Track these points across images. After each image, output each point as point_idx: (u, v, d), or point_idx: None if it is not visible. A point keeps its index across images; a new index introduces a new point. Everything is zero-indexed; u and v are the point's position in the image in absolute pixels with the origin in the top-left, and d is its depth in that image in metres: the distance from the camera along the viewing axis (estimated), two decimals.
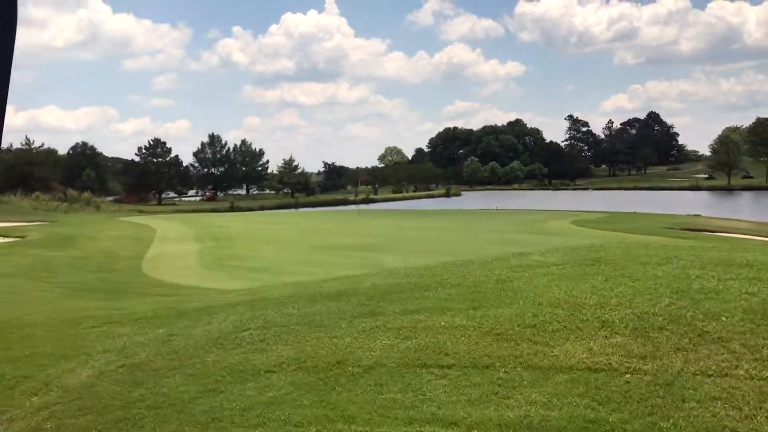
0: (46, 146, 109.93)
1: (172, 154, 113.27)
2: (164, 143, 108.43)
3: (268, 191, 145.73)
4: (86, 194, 75.29)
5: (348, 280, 9.07)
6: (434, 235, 29.85)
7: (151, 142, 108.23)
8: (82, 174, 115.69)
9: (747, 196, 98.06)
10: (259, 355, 5.93)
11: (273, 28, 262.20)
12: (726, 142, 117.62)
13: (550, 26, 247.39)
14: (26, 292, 14.63)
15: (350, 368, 5.34)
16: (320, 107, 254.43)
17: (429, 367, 5.16)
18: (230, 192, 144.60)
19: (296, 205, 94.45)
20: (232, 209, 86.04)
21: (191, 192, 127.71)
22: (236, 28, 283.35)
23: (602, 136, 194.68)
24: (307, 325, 6.57)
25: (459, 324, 5.89)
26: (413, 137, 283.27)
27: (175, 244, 26.47)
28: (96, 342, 7.39)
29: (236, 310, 7.80)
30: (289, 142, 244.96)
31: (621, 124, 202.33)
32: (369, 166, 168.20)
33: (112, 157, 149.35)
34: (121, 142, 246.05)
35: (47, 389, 6.06)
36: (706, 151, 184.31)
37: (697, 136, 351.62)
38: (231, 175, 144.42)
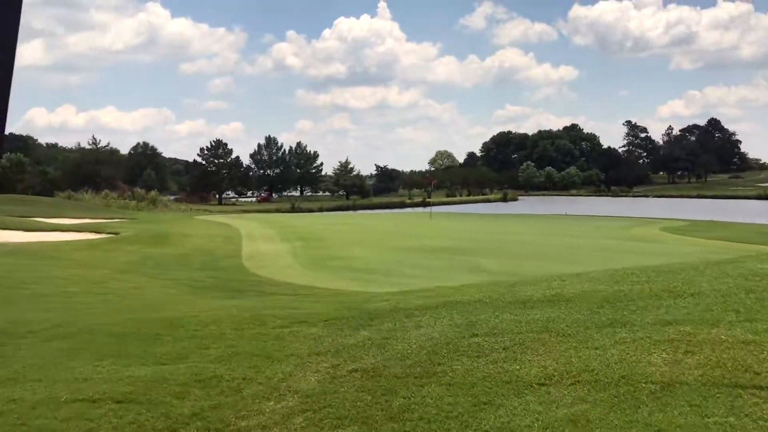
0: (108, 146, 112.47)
1: (231, 156, 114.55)
2: (225, 144, 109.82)
3: (321, 193, 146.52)
4: (153, 193, 76.46)
5: (536, 285, 8.52)
6: (521, 238, 29.13)
7: (213, 144, 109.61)
8: (143, 173, 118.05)
9: None
10: (516, 365, 5.44)
11: (326, 32, 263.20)
12: None
13: (604, 30, 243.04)
14: (149, 287, 14.50)
15: (643, 384, 4.81)
16: (370, 111, 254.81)
17: (744, 387, 4.60)
18: (284, 194, 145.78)
19: (354, 207, 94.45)
20: (293, 210, 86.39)
21: (249, 193, 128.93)
22: (290, 33, 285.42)
23: (660, 142, 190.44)
24: (548, 333, 6.07)
25: (748, 339, 5.30)
26: (463, 141, 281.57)
27: (265, 243, 26.34)
28: (296, 343, 7.01)
29: (436, 314, 7.35)
30: (340, 145, 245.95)
31: (680, 131, 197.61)
32: (419, 170, 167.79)
33: (169, 158, 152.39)
34: (176, 143, 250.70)
35: (278, 394, 5.67)
36: None
37: (758, 144, 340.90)
38: (286, 177, 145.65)
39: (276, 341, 7.17)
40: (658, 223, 38.94)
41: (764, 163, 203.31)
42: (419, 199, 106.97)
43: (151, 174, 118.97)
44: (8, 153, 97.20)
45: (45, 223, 31.99)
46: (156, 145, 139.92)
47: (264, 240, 27.76)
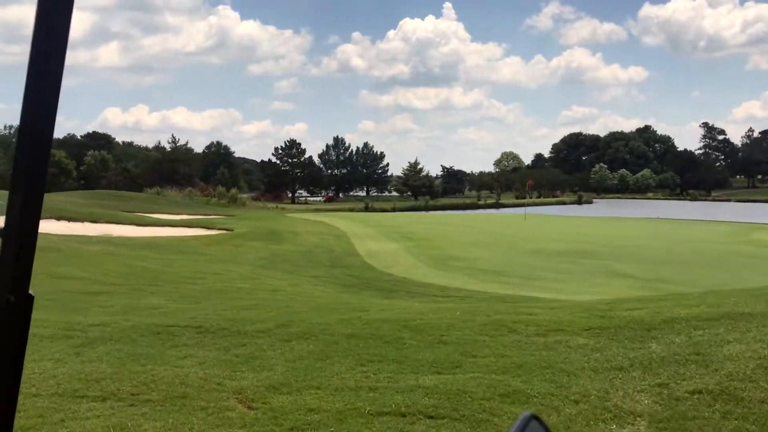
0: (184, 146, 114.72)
1: (304, 156, 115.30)
2: (299, 144, 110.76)
3: (387, 193, 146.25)
4: (233, 191, 77.41)
5: None
6: (637, 242, 27.79)
7: (287, 144, 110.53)
8: (216, 172, 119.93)
9: None
10: None
11: (391, 33, 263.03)
12: None
13: (676, 30, 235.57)
14: (301, 284, 14.06)
15: None
16: (434, 111, 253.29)
17: None
18: (351, 194, 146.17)
19: (426, 208, 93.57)
20: (367, 209, 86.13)
21: (320, 192, 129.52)
22: (355, 34, 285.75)
23: (738, 144, 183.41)
24: None
25: None
26: (527, 143, 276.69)
27: (374, 242, 25.78)
28: (574, 354, 6.26)
29: (732, 326, 6.49)
30: (403, 145, 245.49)
31: (760, 133, 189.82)
32: (485, 171, 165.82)
33: (238, 157, 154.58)
34: (243, 143, 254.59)
35: (612, 415, 4.93)
36: None
37: None
38: (353, 177, 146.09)
39: (549, 351, 6.43)
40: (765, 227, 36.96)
41: None
42: (492, 201, 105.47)
43: (225, 172, 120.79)
44: (92, 150, 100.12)
45: (153, 218, 32.24)
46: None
47: (371, 239, 27.21)
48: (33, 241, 1.05)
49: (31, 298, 1.09)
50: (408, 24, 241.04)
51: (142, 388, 5.66)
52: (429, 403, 5.22)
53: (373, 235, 28.70)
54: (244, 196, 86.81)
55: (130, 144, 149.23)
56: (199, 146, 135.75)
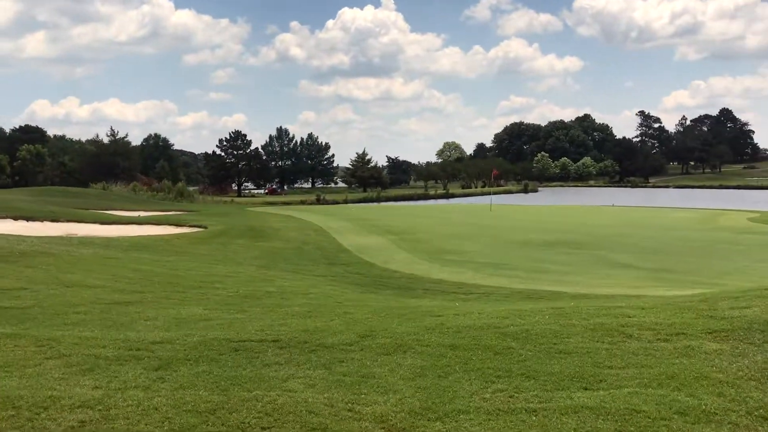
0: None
1: (250, 147, 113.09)
2: (244, 135, 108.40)
3: (333, 185, 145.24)
4: (180, 185, 75.24)
5: None
6: (620, 231, 27.88)
7: (232, 135, 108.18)
8: (156, 165, 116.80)
9: None
10: None
11: (330, 23, 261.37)
12: None
13: (609, 21, 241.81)
14: (319, 285, 13.30)
15: None
16: (375, 102, 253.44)
17: None
18: (296, 186, 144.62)
19: (378, 199, 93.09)
20: (319, 201, 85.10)
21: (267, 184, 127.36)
22: (294, 23, 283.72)
23: (672, 132, 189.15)
24: None
25: None
26: (467, 133, 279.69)
27: (358, 237, 25.09)
28: (722, 362, 5.82)
29: None
30: (344, 136, 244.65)
31: (691, 121, 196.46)
32: (428, 161, 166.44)
33: (176, 149, 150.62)
34: (179, 134, 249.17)
35: None
36: None
37: (762, 133, 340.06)
38: (298, 169, 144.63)
39: (688, 359, 5.97)
40: (736, 214, 37.82)
41: None
42: (441, 191, 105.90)
43: (165, 166, 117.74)
44: (26, 144, 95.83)
45: (115, 215, 30.74)
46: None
47: (351, 233, 26.53)
48: None
49: None
50: (347, 13, 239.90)
51: (268, 419, 4.94)
52: (609, 427, 4.67)
53: (351, 229, 28.02)
54: (191, 189, 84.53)
55: (62, 137, 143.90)
56: (133, 138, 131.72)
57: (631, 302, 8.64)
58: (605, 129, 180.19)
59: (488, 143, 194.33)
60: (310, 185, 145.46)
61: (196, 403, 5.26)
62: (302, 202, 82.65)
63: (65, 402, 5.25)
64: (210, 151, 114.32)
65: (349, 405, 5.21)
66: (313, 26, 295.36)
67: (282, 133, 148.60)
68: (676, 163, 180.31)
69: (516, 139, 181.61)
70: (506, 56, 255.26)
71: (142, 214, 35.30)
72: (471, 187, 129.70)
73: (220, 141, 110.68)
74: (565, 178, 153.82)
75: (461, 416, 4.95)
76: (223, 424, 4.87)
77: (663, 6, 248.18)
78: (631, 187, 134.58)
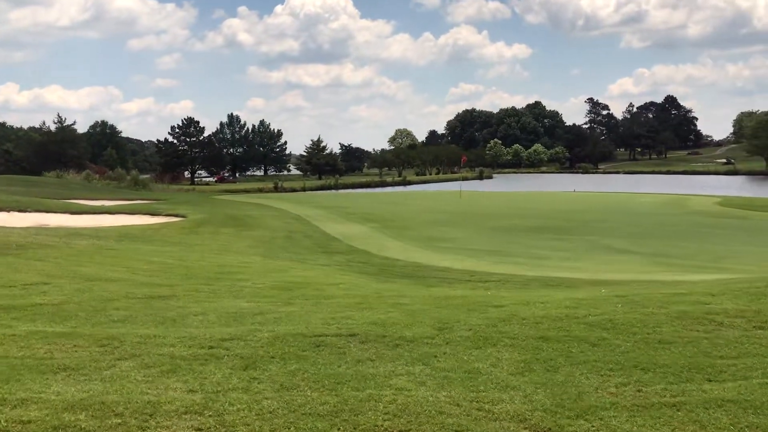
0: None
1: (203, 134, 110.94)
2: (197, 122, 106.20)
3: (286, 172, 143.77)
4: (134, 173, 73.53)
5: None
6: (602, 216, 28.15)
7: (184, 122, 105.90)
8: (103, 153, 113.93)
9: None
10: None
11: (278, 8, 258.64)
12: (766, 127, 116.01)
13: (556, 9, 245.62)
14: (333, 275, 12.96)
15: None
16: (325, 89, 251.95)
17: None
18: (247, 173, 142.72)
19: (336, 187, 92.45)
20: (277, 189, 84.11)
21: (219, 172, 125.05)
22: (242, 8, 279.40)
23: (620, 119, 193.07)
24: None
25: None
26: (418, 119, 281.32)
27: (340, 225, 24.73)
28: None
29: None
30: (294, 123, 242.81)
31: (637, 108, 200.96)
32: (378, 148, 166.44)
33: (123, 137, 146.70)
34: (124, 121, 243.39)
35: None
36: (717, 134, 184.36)
37: (704, 120, 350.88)
38: (250, 156, 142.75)
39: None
40: (701, 199, 38.68)
41: (712, 138, 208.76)
42: (398, 178, 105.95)
43: (113, 153, 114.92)
44: None
45: (85, 205, 29.65)
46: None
47: (330, 221, 26.15)
48: None
49: None
50: None
51: (401, 421, 4.63)
52: (762, 422, 4.49)
53: (328, 217, 27.64)
54: (144, 177, 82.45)
55: (2, 125, 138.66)
56: (78, 126, 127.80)
57: (686, 288, 8.54)
58: (555, 116, 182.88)
59: (440, 130, 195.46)
60: (262, 173, 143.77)
61: (311, 405, 4.90)
62: (260, 190, 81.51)
63: (167, 407, 4.82)
64: (156, 139, 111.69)
65: (476, 404, 4.92)
66: (262, 11, 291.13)
67: (233, 120, 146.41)
68: (623, 150, 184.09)
69: (468, 126, 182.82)
70: (456, 43, 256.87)
71: (107, 203, 34.19)
72: (426, 174, 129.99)
73: (173, 128, 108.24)
74: (517, 164, 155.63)
75: (602, 413, 4.72)
76: (354, 428, 4.53)
77: None
78: (583, 173, 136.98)
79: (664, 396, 4.98)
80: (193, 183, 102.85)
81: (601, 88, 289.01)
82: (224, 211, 27.12)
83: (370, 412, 4.76)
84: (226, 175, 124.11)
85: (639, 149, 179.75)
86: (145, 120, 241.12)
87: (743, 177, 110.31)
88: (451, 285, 13.00)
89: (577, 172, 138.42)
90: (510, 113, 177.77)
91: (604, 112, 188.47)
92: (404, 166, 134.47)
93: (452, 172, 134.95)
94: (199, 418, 4.68)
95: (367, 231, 23.06)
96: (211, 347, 6.29)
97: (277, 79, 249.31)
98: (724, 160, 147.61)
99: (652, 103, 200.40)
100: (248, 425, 4.58)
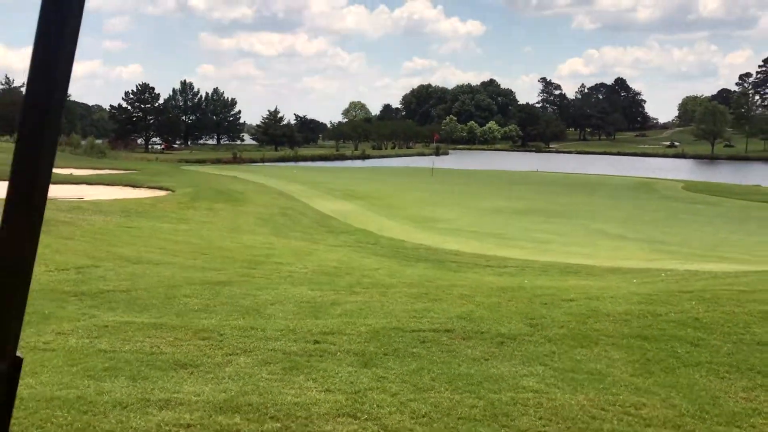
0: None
1: (158, 101, 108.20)
2: (152, 88, 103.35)
3: (239, 142, 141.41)
4: (90, 139, 71.46)
5: None
6: (579, 200, 28.65)
7: (139, 87, 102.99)
8: None
9: (739, 164, 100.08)
10: None
11: None
12: (714, 112, 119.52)
13: None
14: (358, 259, 12.88)
15: None
16: (278, 58, 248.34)
17: None
18: (199, 142, 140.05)
19: (295, 159, 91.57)
20: (235, 160, 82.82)
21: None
22: None
23: (572, 99, 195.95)
24: None
25: None
26: (371, 92, 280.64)
27: (325, 201, 24.55)
28: None
29: None
30: (245, 92, 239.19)
31: (588, 89, 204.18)
32: (337, 121, 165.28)
33: (71, 101, 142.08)
34: (70, 84, 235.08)
35: None
36: (662, 117, 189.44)
37: (649, 103, 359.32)
38: (203, 124, 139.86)
39: None
40: (667, 183, 39.69)
41: (657, 121, 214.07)
42: (358, 152, 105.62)
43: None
44: None
45: (56, 174, 28.63)
46: None
47: (317, 198, 25.93)
48: (24, 298, 0.95)
49: (20, 361, 0.99)
50: None
51: (558, 427, 4.65)
52: None
53: (311, 193, 27.44)
54: (98, 143, 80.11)
55: None
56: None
57: (744, 285, 8.77)
58: (509, 94, 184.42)
59: (394, 104, 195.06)
60: (215, 142, 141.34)
61: (461, 408, 4.89)
62: (218, 161, 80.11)
63: (318, 410, 4.75)
64: (110, 105, 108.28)
65: (620, 408, 4.99)
66: None
67: (186, 86, 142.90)
68: (573, 129, 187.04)
69: (424, 101, 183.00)
70: (411, 17, 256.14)
71: (75, 171, 33.11)
72: (382, 149, 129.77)
73: (126, 93, 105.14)
74: (471, 141, 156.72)
75: (750, 420, 4.84)
76: None
77: None
78: (536, 151, 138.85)
79: None
80: (147, 150, 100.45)
81: (552, 68, 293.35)
82: (207, 184, 26.67)
83: (524, 417, 4.77)
84: (178, 143, 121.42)
85: (589, 129, 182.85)
86: (92, 83, 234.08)
87: (691, 160, 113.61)
88: (473, 270, 13.07)
89: (530, 151, 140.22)
90: (465, 90, 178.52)
91: (557, 92, 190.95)
92: (360, 140, 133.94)
93: (408, 147, 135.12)
94: (355, 422, 4.61)
95: (356, 209, 22.98)
96: (316, 342, 6.20)
97: (229, 46, 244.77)
98: (668, 143, 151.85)
99: (602, 85, 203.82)
100: (411, 430, 4.54)
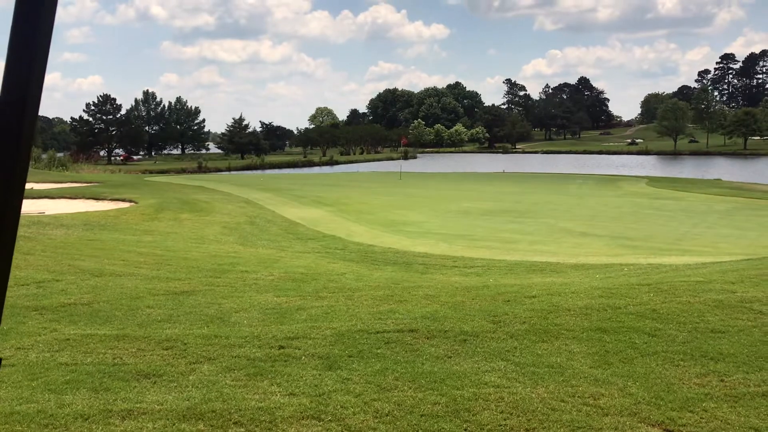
0: None
1: (120, 112, 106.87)
2: (114, 99, 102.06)
3: (204, 151, 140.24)
4: (51, 152, 70.28)
5: None
6: (544, 199, 28.98)
7: (100, 99, 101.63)
8: None
9: (701, 159, 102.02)
10: None
11: None
12: (675, 109, 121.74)
13: None
14: (328, 264, 12.91)
15: None
16: (242, 65, 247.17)
17: None
18: (163, 152, 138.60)
19: (262, 167, 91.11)
20: (201, 169, 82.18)
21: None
22: None
23: (536, 99, 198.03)
24: None
25: None
26: (337, 98, 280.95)
27: (293, 208, 24.47)
28: None
29: None
30: (209, 99, 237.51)
31: (552, 89, 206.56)
32: (304, 128, 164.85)
33: None
34: None
35: None
36: (626, 115, 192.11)
37: (612, 101, 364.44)
38: (166, 134, 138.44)
39: None
40: (631, 180, 40.29)
41: (621, 118, 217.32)
42: (326, 158, 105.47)
43: None
44: None
45: None
46: None
47: (284, 205, 25.87)
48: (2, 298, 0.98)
49: None
50: None
51: (520, 419, 4.78)
52: None
53: (280, 201, 27.35)
54: (60, 156, 78.82)
55: None
56: None
57: (702, 275, 8.97)
58: (474, 96, 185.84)
59: (361, 109, 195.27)
60: (179, 151, 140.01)
61: (421, 406, 4.97)
62: (183, 170, 79.43)
63: (282, 413, 4.79)
64: (71, 117, 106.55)
65: (579, 399, 5.10)
66: None
67: (149, 96, 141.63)
68: (539, 129, 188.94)
69: (390, 105, 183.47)
70: (375, 22, 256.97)
71: (36, 186, 32.61)
72: (350, 154, 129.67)
73: (87, 105, 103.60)
74: (439, 144, 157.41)
75: (702, 404, 4.98)
76: (482, 428, 4.62)
77: None
78: (503, 152, 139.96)
79: (749, 386, 5.28)
80: (110, 162, 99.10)
81: (516, 69, 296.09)
82: (172, 195, 26.39)
83: (485, 412, 4.86)
84: (142, 153, 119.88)
85: (554, 129, 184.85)
86: (52, 95, 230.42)
87: (655, 156, 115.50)
88: (440, 271, 13.16)
89: (497, 152, 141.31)
90: (431, 93, 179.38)
91: (521, 93, 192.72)
92: (328, 145, 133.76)
93: (376, 152, 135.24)
94: (319, 424, 4.66)
95: (325, 215, 22.97)
96: (281, 347, 6.23)
97: (192, 54, 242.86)
98: (629, 141, 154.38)
99: (566, 84, 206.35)
100: (375, 429, 4.60)
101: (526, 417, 4.78)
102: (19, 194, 1.06)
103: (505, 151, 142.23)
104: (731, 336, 6.37)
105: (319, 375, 5.54)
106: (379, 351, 6.15)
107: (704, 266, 11.08)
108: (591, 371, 5.66)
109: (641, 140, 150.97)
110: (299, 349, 6.16)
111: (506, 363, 5.86)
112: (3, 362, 5.47)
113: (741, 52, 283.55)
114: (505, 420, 4.73)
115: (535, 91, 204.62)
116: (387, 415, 4.79)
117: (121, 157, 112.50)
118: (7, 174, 1.02)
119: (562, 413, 4.84)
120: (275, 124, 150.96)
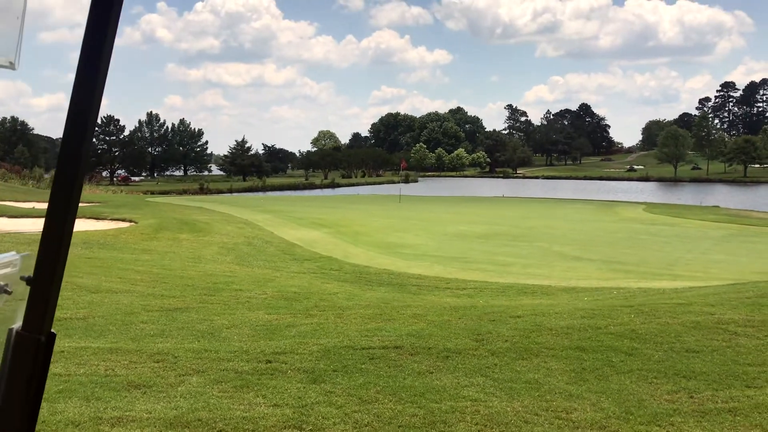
0: None
1: (123, 133, 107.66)
2: (117, 121, 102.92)
3: (206, 172, 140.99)
4: (54, 172, 70.64)
5: None
6: (545, 223, 29.21)
7: (104, 120, 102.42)
8: (14, 151, 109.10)
9: (701, 186, 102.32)
10: None
11: (199, 5, 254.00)
12: (675, 136, 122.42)
13: (476, 16, 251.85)
14: (321, 284, 13.10)
15: None
16: (246, 88, 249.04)
17: None
18: (166, 173, 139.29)
19: (264, 189, 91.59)
20: (203, 191, 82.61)
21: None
22: (161, 4, 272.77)
23: (537, 125, 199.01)
24: None
25: None
26: (340, 121, 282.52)
27: (291, 230, 24.69)
28: None
29: None
30: (213, 122, 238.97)
31: (553, 115, 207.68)
32: (306, 150, 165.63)
33: (34, 134, 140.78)
34: (33, 117, 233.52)
35: None
36: (627, 141, 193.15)
37: (613, 128, 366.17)
38: (169, 156, 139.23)
39: None
40: (628, 206, 40.50)
41: (622, 145, 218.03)
42: (327, 181, 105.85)
43: (24, 151, 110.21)
44: None
45: (15, 207, 28.52)
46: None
47: (283, 226, 26.10)
48: (59, 287, 1.19)
49: (54, 336, 1.25)
50: None
51: (489, 430, 4.92)
52: None
53: (279, 222, 27.59)
54: None
55: None
56: None
57: (684, 298, 9.18)
58: (476, 121, 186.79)
59: (363, 132, 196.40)
60: (182, 173, 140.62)
61: (400, 418, 5.16)
62: (185, 191, 79.88)
63: (265, 423, 4.99)
64: None
65: (552, 413, 5.29)
66: (181, 8, 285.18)
67: (152, 118, 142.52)
68: (540, 155, 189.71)
69: (392, 129, 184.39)
70: (378, 47, 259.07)
71: (37, 205, 32.87)
72: (351, 177, 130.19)
73: None
74: (440, 168, 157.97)
75: (670, 419, 5.17)
76: None
77: (526, 4, 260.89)
78: (504, 177, 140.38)
79: (716, 402, 5.48)
80: (112, 183, 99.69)
81: (518, 95, 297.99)
82: (172, 215, 26.65)
83: (461, 424, 5.06)
84: (144, 174, 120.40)
85: (555, 155, 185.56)
86: (57, 116, 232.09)
87: (655, 183, 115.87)
88: (432, 292, 13.35)
89: (498, 177, 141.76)
90: (433, 117, 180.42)
91: (523, 119, 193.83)
92: (330, 168, 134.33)
93: (377, 175, 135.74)
94: None
95: (323, 236, 23.18)
96: (268, 361, 6.43)
97: (197, 77, 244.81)
98: (628, 167, 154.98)
99: (567, 110, 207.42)
100: None
101: (499, 429, 4.97)
102: (74, 213, 1.23)
103: (506, 176, 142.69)
104: (705, 355, 6.57)
105: (304, 388, 5.73)
106: (363, 366, 6.35)
107: (689, 290, 11.28)
108: (566, 387, 5.86)
109: (641, 167, 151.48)
110: (286, 364, 6.36)
111: (485, 379, 6.06)
112: None
113: (741, 80, 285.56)
114: (479, 431, 4.93)
115: (536, 117, 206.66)
116: (366, 426, 4.99)
117: (119, 178, 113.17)
118: (68, 193, 1.20)
119: (534, 426, 5.03)
120: (278, 146, 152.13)
